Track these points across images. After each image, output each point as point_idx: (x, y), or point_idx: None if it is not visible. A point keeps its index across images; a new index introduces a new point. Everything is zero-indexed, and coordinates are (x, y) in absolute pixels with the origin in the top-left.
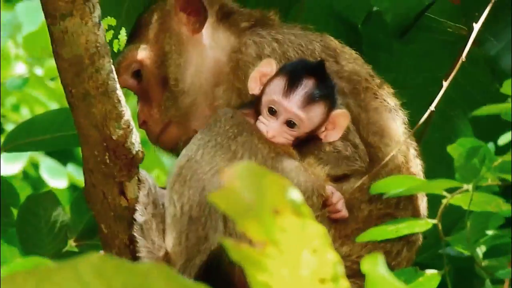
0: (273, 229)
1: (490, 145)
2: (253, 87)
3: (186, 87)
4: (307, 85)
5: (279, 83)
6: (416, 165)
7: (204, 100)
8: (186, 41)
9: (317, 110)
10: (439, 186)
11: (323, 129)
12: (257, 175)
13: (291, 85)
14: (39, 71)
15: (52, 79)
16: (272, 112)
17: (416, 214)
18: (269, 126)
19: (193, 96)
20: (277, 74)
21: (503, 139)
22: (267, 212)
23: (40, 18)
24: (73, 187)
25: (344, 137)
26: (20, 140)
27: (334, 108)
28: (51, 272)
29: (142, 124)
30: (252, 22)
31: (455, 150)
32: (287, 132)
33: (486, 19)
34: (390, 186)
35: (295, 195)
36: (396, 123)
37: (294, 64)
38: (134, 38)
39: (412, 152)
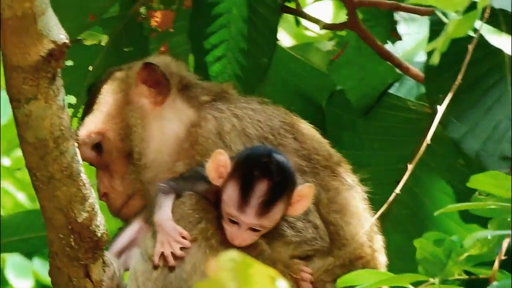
0: None
1: (455, 238)
2: (213, 178)
3: (149, 161)
4: (260, 193)
5: (233, 195)
6: (378, 242)
7: (166, 174)
8: (149, 114)
9: (277, 210)
10: (405, 280)
11: (288, 208)
12: (242, 265)
13: (245, 197)
14: (6, 162)
15: (19, 169)
16: (233, 222)
17: None
18: (233, 234)
19: (155, 171)
20: (230, 177)
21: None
22: None
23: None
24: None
25: (305, 218)
26: None
27: (296, 188)
28: None
29: (103, 196)
30: (211, 96)
31: (421, 243)
32: (252, 235)
33: (450, 101)
34: (357, 280)
35: (282, 285)
36: (356, 201)
37: (244, 164)
38: (92, 109)
39: (374, 229)
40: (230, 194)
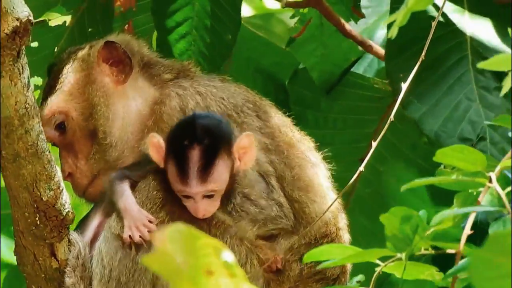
0: None
1: (422, 213)
2: (159, 162)
3: (114, 140)
4: (193, 160)
5: (173, 170)
6: (342, 219)
7: (130, 153)
8: (112, 93)
9: (219, 169)
10: (373, 255)
11: (237, 163)
12: (189, 237)
13: (182, 170)
14: None
15: None
16: (186, 196)
17: (344, 270)
18: (193, 208)
19: (120, 150)
20: (166, 155)
21: (436, 218)
22: (200, 273)
23: None
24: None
25: (268, 197)
26: None
27: (233, 143)
28: None
29: (68, 176)
30: (174, 74)
31: (387, 219)
32: (211, 202)
33: (411, 81)
34: (324, 256)
35: (228, 256)
36: (320, 178)
37: (174, 138)
38: (54, 89)
39: (338, 207)
40: (171, 172)
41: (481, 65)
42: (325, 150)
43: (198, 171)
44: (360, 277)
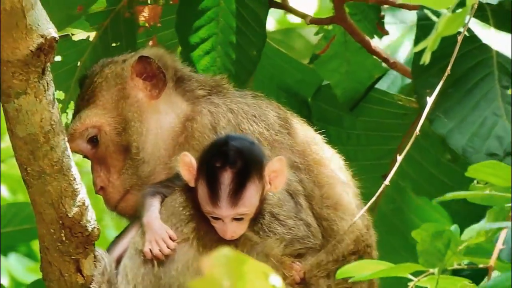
0: None
1: (454, 228)
2: (189, 180)
3: (147, 156)
4: (226, 183)
5: (203, 192)
6: (371, 237)
7: (162, 169)
8: (146, 108)
9: (250, 193)
10: (405, 270)
11: (267, 187)
12: (236, 262)
13: (213, 192)
14: None
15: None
16: (215, 217)
17: (371, 286)
18: (221, 230)
19: (152, 165)
20: (197, 175)
21: (468, 233)
22: None
23: None
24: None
25: (296, 216)
26: None
27: (265, 166)
28: None
29: (100, 190)
30: (207, 90)
31: (419, 235)
32: (239, 225)
33: (437, 97)
34: (355, 271)
35: (275, 280)
36: (349, 196)
37: (206, 159)
38: (87, 102)
39: (366, 223)
40: (201, 192)
41: None
42: (348, 166)
43: (229, 194)
44: None
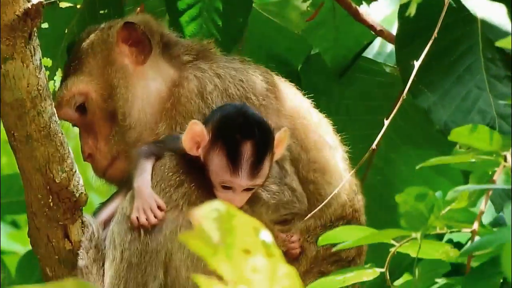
0: (244, 269)
1: (438, 194)
2: (190, 149)
3: (133, 122)
4: (248, 154)
5: (222, 162)
6: (358, 201)
7: (149, 135)
8: (131, 74)
9: (266, 164)
10: (388, 235)
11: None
12: (226, 216)
13: (234, 162)
14: None
15: None
16: (227, 187)
17: (359, 251)
18: (230, 200)
19: (139, 131)
20: (212, 145)
21: (451, 195)
22: (237, 252)
23: None
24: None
25: (281, 182)
26: None
27: (274, 138)
28: None
29: (88, 157)
30: (193, 55)
31: (402, 198)
32: (247, 195)
33: (420, 68)
34: (339, 238)
35: (266, 236)
36: (336, 160)
37: (223, 129)
38: (74, 70)
39: (354, 188)
40: (218, 163)
41: (498, 43)
42: (338, 136)
43: (250, 165)
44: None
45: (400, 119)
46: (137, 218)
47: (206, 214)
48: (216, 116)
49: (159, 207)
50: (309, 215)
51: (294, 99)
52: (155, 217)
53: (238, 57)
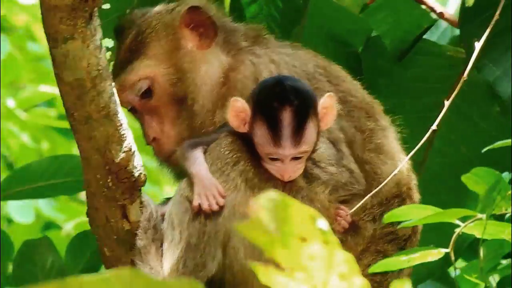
0: (301, 256)
1: (505, 174)
2: (238, 126)
3: (199, 107)
4: (287, 121)
5: (264, 134)
6: (412, 180)
7: (210, 121)
8: (197, 58)
9: (310, 130)
10: (453, 215)
11: (321, 125)
12: (282, 205)
13: (275, 132)
14: (11, 103)
15: (25, 110)
16: (274, 158)
17: (415, 230)
18: (280, 171)
19: (203, 118)
20: (253, 119)
21: None
22: (294, 240)
23: (5, 47)
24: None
25: (338, 163)
26: (15, 187)
27: (318, 101)
28: (83, 285)
29: (152, 141)
30: (250, 40)
31: (469, 179)
32: (298, 164)
33: (484, 44)
34: (404, 216)
35: (322, 224)
36: (390, 141)
37: (261, 101)
38: (136, 53)
39: (408, 167)
40: (261, 135)
41: None
42: (396, 119)
43: (292, 133)
44: None
45: (460, 101)
46: (199, 204)
47: (263, 203)
48: (256, 90)
49: (220, 194)
50: (367, 195)
51: (345, 81)
52: (217, 204)
53: (288, 43)
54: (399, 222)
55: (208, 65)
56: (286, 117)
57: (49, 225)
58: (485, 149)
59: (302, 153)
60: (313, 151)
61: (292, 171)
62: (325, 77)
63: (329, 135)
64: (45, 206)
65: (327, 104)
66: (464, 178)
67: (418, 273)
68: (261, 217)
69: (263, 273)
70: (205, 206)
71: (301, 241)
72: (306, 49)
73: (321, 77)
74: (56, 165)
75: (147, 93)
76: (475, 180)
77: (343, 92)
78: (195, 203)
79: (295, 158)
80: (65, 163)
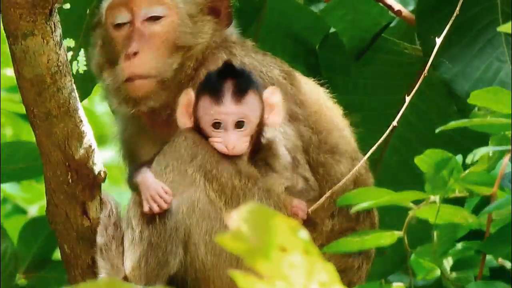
0: (281, 266)
1: (458, 157)
2: (185, 122)
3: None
4: (228, 85)
5: (206, 100)
6: (369, 178)
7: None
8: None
9: (251, 99)
10: (407, 197)
11: (266, 116)
12: (263, 216)
13: (216, 93)
14: None
15: None
16: (217, 125)
17: (373, 227)
18: (224, 141)
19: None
20: (198, 97)
21: (470, 158)
22: (274, 250)
23: None
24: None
25: (294, 171)
26: None
27: (262, 89)
28: None
29: (127, 80)
30: (232, 39)
31: (422, 161)
32: (241, 135)
33: (441, 43)
34: (358, 199)
35: (303, 234)
36: (346, 140)
37: (206, 79)
38: None
39: (365, 166)
40: (202, 105)
41: None
42: (354, 116)
43: (233, 92)
44: None
45: (418, 99)
46: (149, 208)
47: (243, 215)
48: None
49: (165, 191)
50: (327, 193)
51: (306, 86)
52: (165, 202)
53: (261, 51)
54: (358, 218)
55: (210, 42)
56: (229, 84)
57: (16, 208)
58: (438, 130)
59: (243, 117)
60: (259, 132)
61: (236, 139)
62: (288, 81)
63: (286, 142)
64: (11, 189)
65: (273, 101)
66: (417, 160)
67: (385, 265)
68: (242, 228)
69: (243, 282)
70: (155, 208)
71: (281, 251)
72: (272, 56)
73: (284, 81)
74: (22, 150)
75: (155, 19)
76: (427, 161)
77: (304, 96)
78: (145, 208)
79: (238, 127)
80: (29, 149)
